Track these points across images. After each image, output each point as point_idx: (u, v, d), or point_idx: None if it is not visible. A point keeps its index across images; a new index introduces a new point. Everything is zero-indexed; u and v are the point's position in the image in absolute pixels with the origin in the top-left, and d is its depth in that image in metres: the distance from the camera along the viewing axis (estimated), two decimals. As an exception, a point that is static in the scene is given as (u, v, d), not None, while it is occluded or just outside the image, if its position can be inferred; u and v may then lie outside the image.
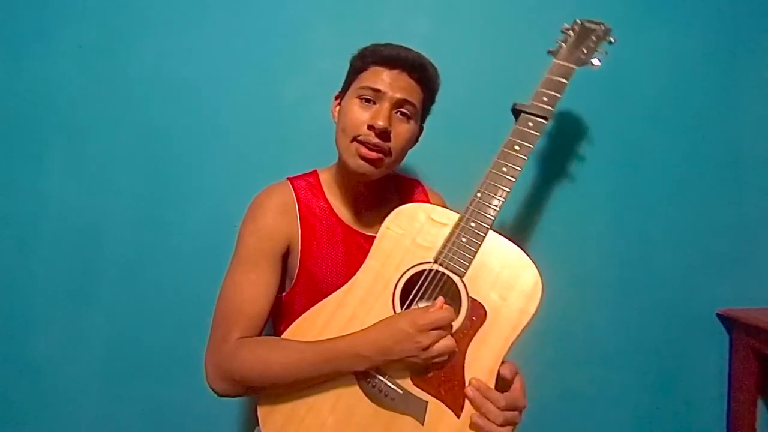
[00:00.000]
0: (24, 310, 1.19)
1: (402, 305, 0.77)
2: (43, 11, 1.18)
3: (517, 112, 0.84)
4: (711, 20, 1.23)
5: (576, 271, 1.21)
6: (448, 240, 0.77)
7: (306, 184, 0.90)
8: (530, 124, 0.81)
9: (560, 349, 1.21)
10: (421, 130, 0.91)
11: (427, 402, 0.73)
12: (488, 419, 0.70)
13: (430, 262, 0.77)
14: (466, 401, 0.72)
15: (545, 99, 0.83)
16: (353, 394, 0.75)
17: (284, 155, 1.17)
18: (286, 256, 0.86)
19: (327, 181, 0.92)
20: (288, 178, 0.91)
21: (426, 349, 0.70)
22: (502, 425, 0.70)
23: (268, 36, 1.19)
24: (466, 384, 0.72)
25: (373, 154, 0.81)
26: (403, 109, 0.82)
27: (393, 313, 0.76)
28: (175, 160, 1.19)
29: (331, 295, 0.80)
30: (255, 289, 0.81)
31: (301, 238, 0.86)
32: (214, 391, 0.79)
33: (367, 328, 0.74)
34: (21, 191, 1.18)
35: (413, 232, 0.79)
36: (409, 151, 0.89)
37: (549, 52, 0.90)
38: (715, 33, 1.23)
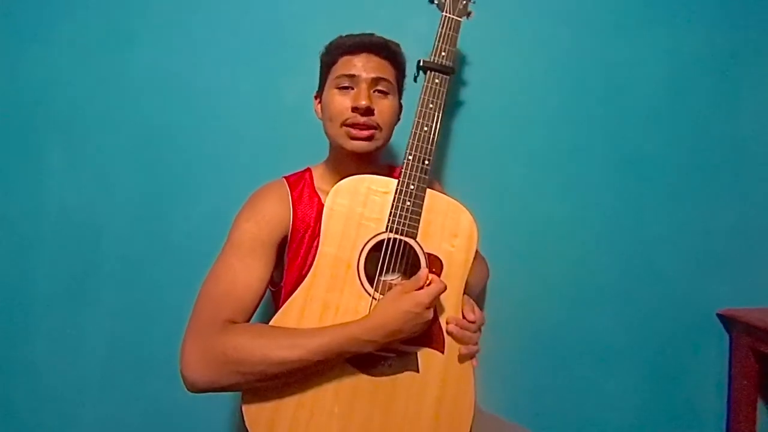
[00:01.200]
0: (24, 310, 1.19)
1: (371, 281, 0.80)
2: (43, 11, 1.18)
3: (423, 70, 0.86)
4: (711, 20, 1.23)
5: (576, 271, 1.21)
6: (394, 207, 0.80)
7: (300, 180, 0.92)
8: (436, 81, 0.85)
9: (560, 348, 1.21)
10: (400, 106, 0.94)
11: (416, 352, 0.80)
12: (469, 345, 0.82)
13: (384, 232, 0.80)
14: (446, 337, 0.81)
15: (443, 54, 0.86)
16: (352, 376, 0.77)
17: (284, 156, 1.16)
18: (281, 247, 0.87)
19: (320, 174, 0.94)
20: (284, 177, 0.93)
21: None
22: (476, 344, 0.83)
23: (267, 36, 1.19)
24: (442, 325, 0.81)
25: (365, 132, 0.85)
26: (379, 87, 0.86)
27: (364, 291, 0.79)
28: (175, 160, 1.19)
29: (296, 291, 0.79)
30: (249, 274, 0.80)
31: (291, 232, 0.86)
32: (191, 382, 0.73)
33: (370, 316, 0.75)
34: (21, 191, 1.18)
35: (359, 206, 0.81)
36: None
37: (431, 2, 0.90)
38: (715, 33, 1.23)
